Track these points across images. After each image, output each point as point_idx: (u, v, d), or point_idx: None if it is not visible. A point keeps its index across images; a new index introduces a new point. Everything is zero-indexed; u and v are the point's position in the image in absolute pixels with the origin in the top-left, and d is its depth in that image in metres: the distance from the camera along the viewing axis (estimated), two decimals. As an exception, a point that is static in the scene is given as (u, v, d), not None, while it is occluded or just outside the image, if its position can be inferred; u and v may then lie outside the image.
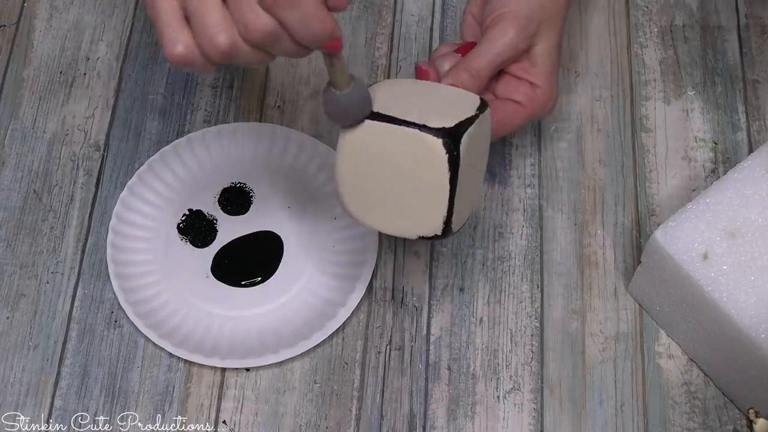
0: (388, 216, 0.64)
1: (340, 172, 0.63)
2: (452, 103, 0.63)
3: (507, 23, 0.68)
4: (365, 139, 0.61)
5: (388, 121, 0.60)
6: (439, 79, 0.69)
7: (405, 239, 0.76)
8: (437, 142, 0.60)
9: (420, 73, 0.69)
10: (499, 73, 0.70)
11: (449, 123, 0.60)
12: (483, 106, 0.63)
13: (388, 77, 0.83)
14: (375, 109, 0.61)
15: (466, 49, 0.70)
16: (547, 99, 0.70)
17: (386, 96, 0.62)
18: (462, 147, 0.60)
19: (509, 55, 0.69)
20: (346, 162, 0.63)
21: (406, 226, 0.64)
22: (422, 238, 0.63)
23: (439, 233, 0.63)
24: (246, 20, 0.52)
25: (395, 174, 0.61)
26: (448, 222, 0.62)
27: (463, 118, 0.61)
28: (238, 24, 0.52)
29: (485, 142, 0.66)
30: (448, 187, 0.61)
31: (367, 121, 0.61)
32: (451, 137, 0.60)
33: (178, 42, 0.52)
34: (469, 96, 0.64)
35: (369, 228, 0.67)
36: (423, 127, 0.60)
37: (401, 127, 0.60)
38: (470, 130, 0.61)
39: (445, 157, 0.60)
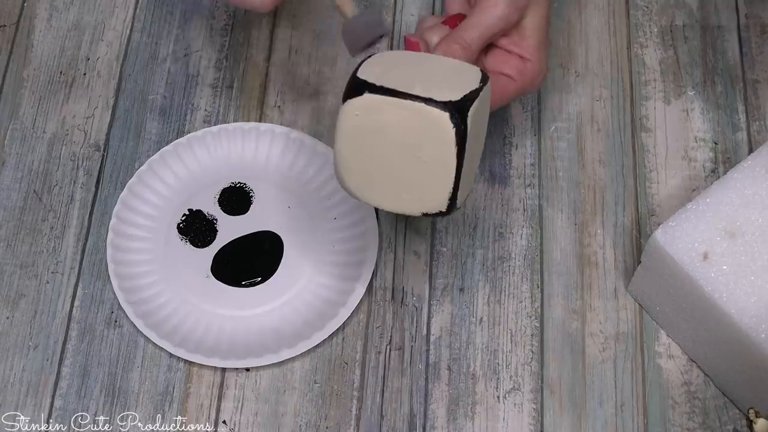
0: (390, 193, 0.62)
1: (340, 147, 0.61)
2: (455, 75, 0.61)
3: None
4: (367, 113, 0.59)
5: (390, 95, 0.58)
6: (429, 51, 0.67)
7: (405, 239, 0.76)
8: (444, 116, 0.58)
9: (409, 45, 0.68)
10: (489, 46, 0.70)
11: (455, 96, 0.58)
12: (485, 78, 0.62)
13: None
14: (376, 82, 0.59)
15: (453, 21, 0.69)
16: (537, 73, 0.70)
17: (385, 68, 0.60)
18: (469, 121, 0.59)
19: (500, 28, 0.68)
20: (346, 136, 0.61)
21: (410, 202, 0.62)
22: (426, 215, 0.62)
23: (444, 209, 0.61)
24: None
25: (398, 149, 0.60)
26: (453, 198, 0.61)
27: (467, 91, 0.59)
28: None
29: (486, 115, 0.64)
30: (455, 162, 0.59)
31: (368, 95, 0.59)
32: (458, 111, 0.58)
33: None
34: (470, 67, 0.63)
35: (368, 204, 0.65)
36: (428, 101, 0.58)
37: (405, 101, 0.58)
38: (476, 103, 0.59)
39: (452, 131, 0.58)
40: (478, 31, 0.67)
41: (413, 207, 0.62)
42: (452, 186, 0.60)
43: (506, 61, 0.69)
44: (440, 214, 0.62)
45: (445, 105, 0.58)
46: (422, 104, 0.58)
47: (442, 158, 0.59)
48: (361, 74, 0.60)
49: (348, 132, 0.61)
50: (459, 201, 0.62)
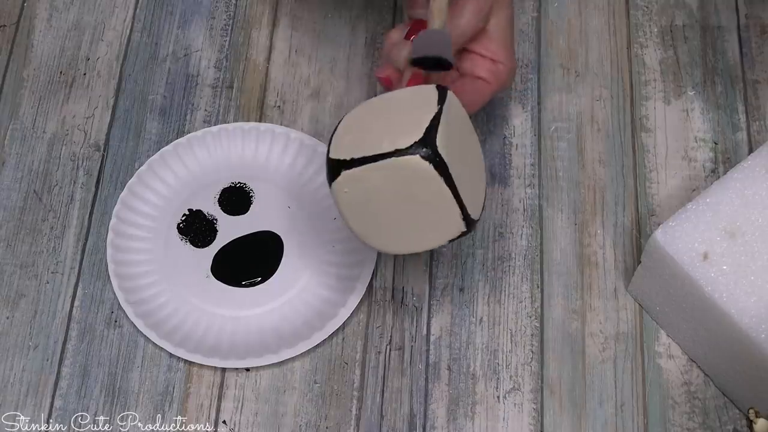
0: (412, 238, 0.64)
1: (348, 221, 0.64)
2: (413, 109, 0.63)
3: (464, 4, 0.68)
4: (353, 186, 0.62)
5: (364, 163, 0.61)
6: (400, 75, 0.68)
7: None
8: (415, 159, 0.60)
9: (384, 83, 0.69)
10: (461, 50, 0.70)
11: (419, 134, 0.60)
12: (442, 95, 0.63)
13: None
14: (347, 157, 0.61)
15: (415, 29, 0.69)
16: (509, 72, 0.71)
17: (352, 134, 0.63)
18: (441, 149, 0.60)
19: (467, 37, 0.69)
20: (347, 211, 0.63)
21: (434, 238, 0.64)
22: (452, 240, 0.64)
23: (465, 229, 0.63)
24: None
25: (396, 202, 0.62)
26: (466, 216, 0.62)
27: (428, 122, 0.61)
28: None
29: (462, 121, 0.65)
30: (448, 190, 0.61)
31: (345, 172, 0.61)
32: (427, 145, 0.60)
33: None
34: (425, 90, 0.64)
35: (402, 254, 0.69)
36: (396, 153, 0.60)
37: (378, 162, 0.60)
38: (440, 127, 0.61)
39: (430, 167, 0.60)
40: None
41: (438, 241, 0.64)
42: (459, 209, 0.62)
43: (479, 64, 0.71)
44: (465, 233, 0.63)
45: (412, 148, 0.60)
46: (393, 158, 0.60)
47: (435, 192, 0.61)
48: (333, 153, 0.63)
49: (346, 207, 0.63)
50: (475, 214, 0.63)
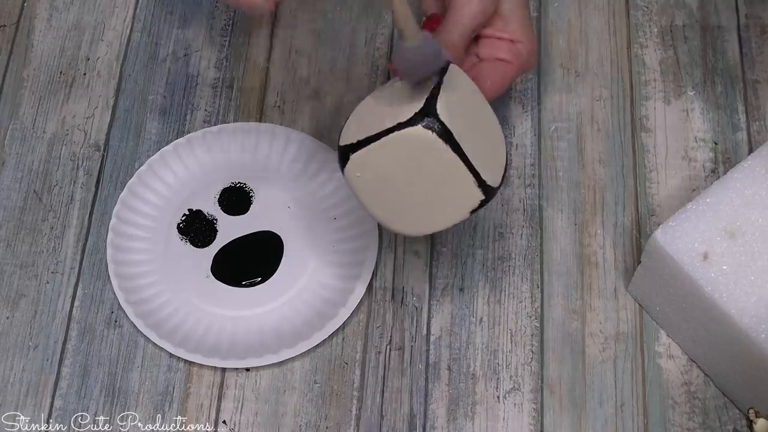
0: (433, 214, 0.63)
1: (368, 206, 0.63)
2: (414, 88, 0.62)
3: None
4: (363, 168, 0.61)
5: (368, 143, 0.60)
6: None
7: (405, 239, 0.76)
8: (418, 129, 0.59)
9: (397, 73, 0.68)
10: (477, 36, 0.70)
11: (419, 105, 0.59)
12: (443, 69, 0.62)
13: (388, 77, 0.83)
14: (353, 141, 0.61)
15: (430, 24, 0.69)
16: (530, 51, 0.71)
17: (358, 121, 0.62)
18: (443, 117, 0.59)
19: (479, 22, 0.68)
20: (365, 195, 0.63)
21: (455, 211, 0.63)
22: (474, 210, 0.63)
23: (484, 197, 0.62)
24: None
25: (409, 178, 0.61)
26: (482, 183, 0.61)
27: (428, 93, 0.60)
28: None
29: (471, 92, 0.64)
30: (456, 158, 0.60)
31: (354, 155, 0.61)
32: (427, 114, 0.59)
33: None
34: None
35: (427, 234, 0.67)
36: (398, 126, 0.59)
37: (381, 139, 0.60)
38: (441, 96, 0.60)
39: (434, 136, 0.59)
40: (458, 31, 0.68)
41: (460, 213, 0.63)
42: (472, 176, 0.61)
43: (498, 46, 0.70)
44: (485, 201, 0.62)
45: (413, 119, 0.59)
46: (396, 133, 0.60)
47: (444, 161, 0.60)
48: (342, 141, 0.63)
49: (363, 191, 0.63)
50: (492, 180, 0.62)
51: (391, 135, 0.60)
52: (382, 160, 0.61)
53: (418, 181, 0.61)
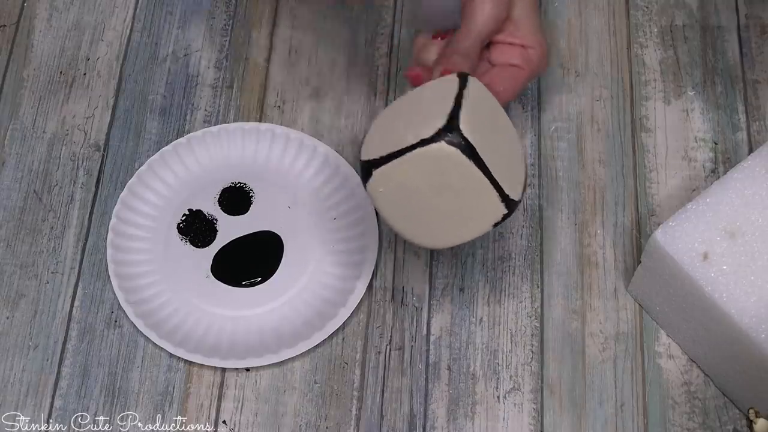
0: (456, 228, 0.64)
1: (391, 221, 0.64)
2: (435, 100, 0.62)
3: None
4: (387, 184, 0.62)
5: (392, 159, 0.61)
6: (430, 74, 0.68)
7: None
8: (442, 146, 0.59)
9: (413, 80, 0.69)
10: (489, 43, 0.70)
11: (441, 122, 0.60)
12: (463, 81, 0.62)
13: (388, 77, 0.83)
14: (376, 156, 0.61)
15: (440, 32, 0.70)
16: (542, 56, 0.71)
17: (380, 135, 0.63)
18: (466, 133, 0.60)
19: (491, 29, 0.69)
20: (388, 210, 0.63)
21: (477, 225, 0.63)
22: (497, 224, 0.63)
23: (507, 211, 0.62)
24: None
25: (432, 194, 0.61)
26: (505, 197, 0.62)
27: (450, 108, 0.60)
28: None
29: (490, 105, 0.65)
30: (480, 173, 0.60)
31: (377, 171, 0.61)
32: (450, 131, 0.59)
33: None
34: (446, 82, 0.64)
35: (451, 247, 0.67)
36: (421, 143, 0.60)
37: (405, 155, 0.60)
38: (463, 111, 0.60)
39: (457, 152, 0.59)
40: (471, 38, 0.68)
41: (482, 227, 0.63)
42: (495, 191, 0.61)
43: (510, 52, 0.70)
44: (507, 215, 0.63)
45: (436, 136, 0.60)
46: (420, 149, 0.60)
47: (468, 177, 0.60)
48: (364, 155, 0.63)
49: (385, 206, 0.63)
50: (514, 194, 0.62)
51: (414, 151, 0.60)
52: (405, 176, 0.61)
53: (441, 196, 0.62)
